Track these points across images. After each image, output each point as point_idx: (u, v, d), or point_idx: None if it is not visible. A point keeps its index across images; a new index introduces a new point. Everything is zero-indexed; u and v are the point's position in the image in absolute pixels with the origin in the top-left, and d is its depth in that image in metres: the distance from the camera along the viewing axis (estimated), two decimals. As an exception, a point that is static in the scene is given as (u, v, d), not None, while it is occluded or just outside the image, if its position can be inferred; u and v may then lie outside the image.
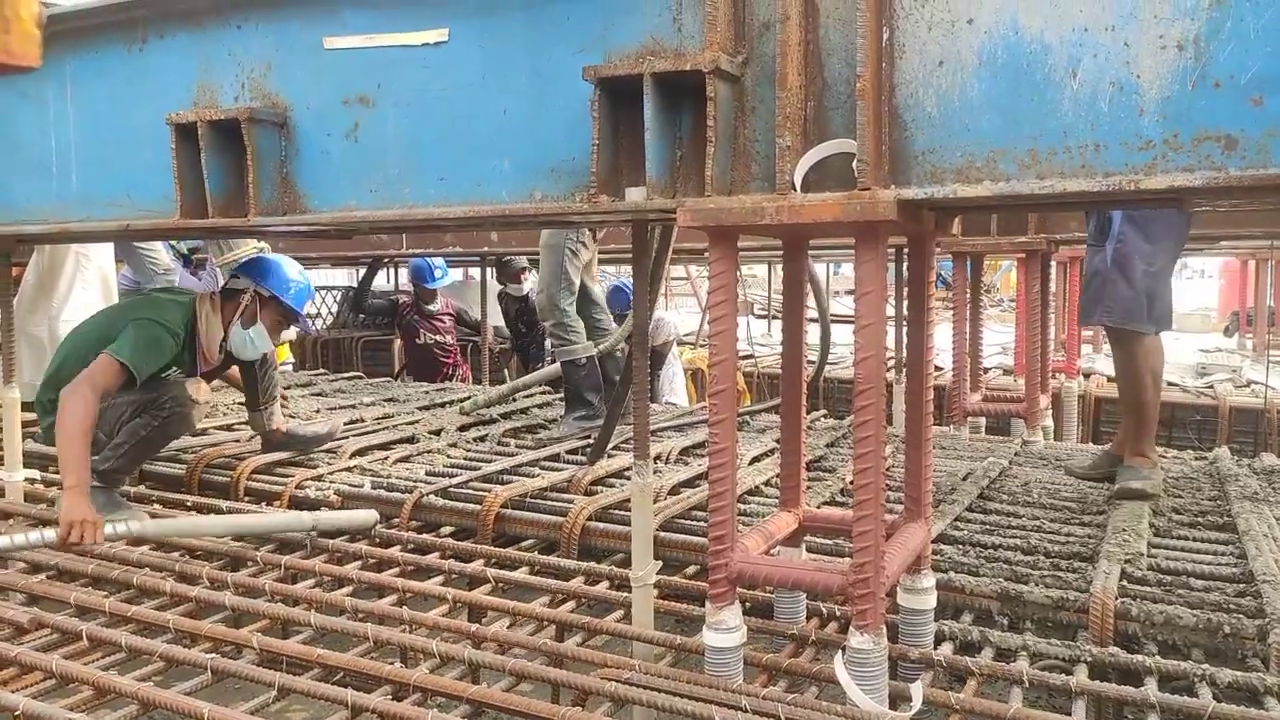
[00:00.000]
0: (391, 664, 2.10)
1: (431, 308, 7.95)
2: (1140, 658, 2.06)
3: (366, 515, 3.09)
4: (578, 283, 4.57)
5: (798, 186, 1.66)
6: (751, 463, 3.76)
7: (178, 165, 2.21)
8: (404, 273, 10.59)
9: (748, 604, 2.39)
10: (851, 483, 1.90)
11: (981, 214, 4.38)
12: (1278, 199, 2.38)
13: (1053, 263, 6.37)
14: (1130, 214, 3.20)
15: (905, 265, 3.72)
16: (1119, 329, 3.32)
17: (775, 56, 1.67)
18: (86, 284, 4.56)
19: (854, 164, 1.60)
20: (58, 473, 3.81)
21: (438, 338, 7.87)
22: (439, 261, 7.87)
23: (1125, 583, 2.40)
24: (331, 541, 2.88)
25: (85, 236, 3.68)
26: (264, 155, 2.16)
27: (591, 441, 3.81)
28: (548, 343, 4.72)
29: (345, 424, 4.46)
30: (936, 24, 1.58)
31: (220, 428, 4.53)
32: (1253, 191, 1.53)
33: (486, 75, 1.96)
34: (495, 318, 8.13)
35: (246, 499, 3.49)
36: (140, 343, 3.17)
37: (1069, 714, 1.87)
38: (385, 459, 3.87)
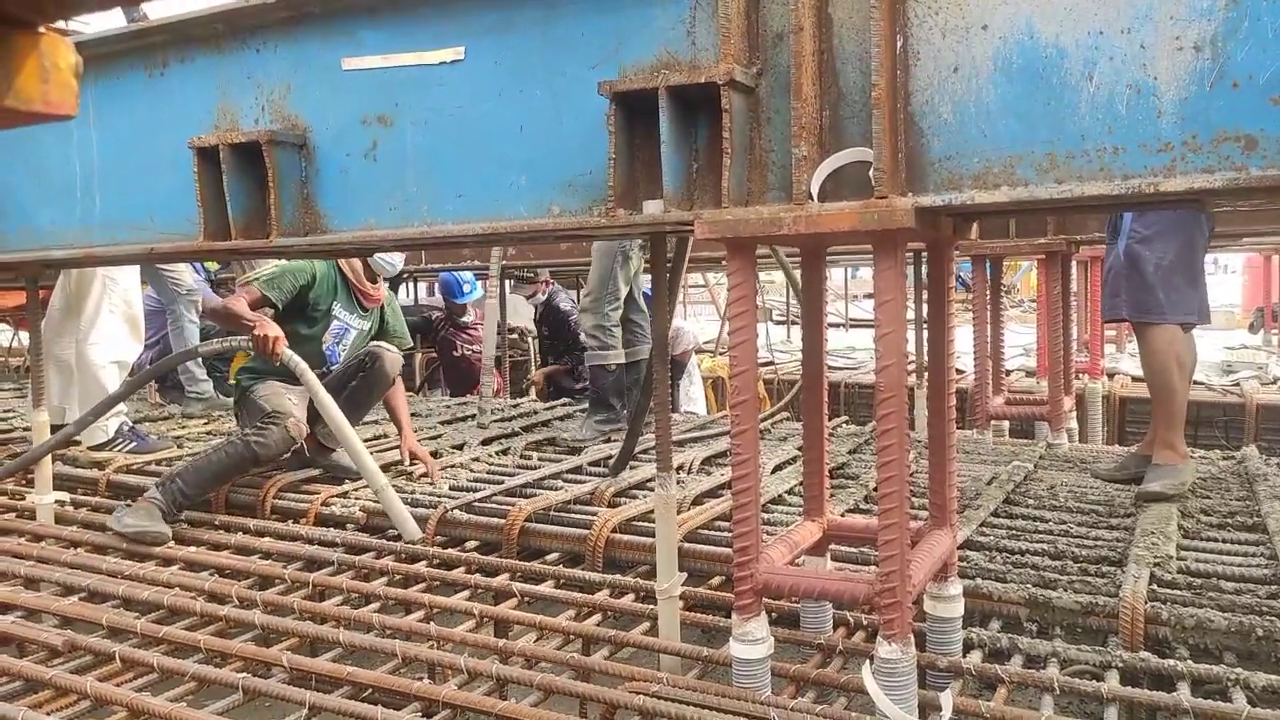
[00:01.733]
0: (420, 679, 2.11)
1: (465, 319, 8.04)
2: (1172, 662, 2.04)
3: (414, 527, 3.17)
4: (624, 290, 4.67)
5: (815, 196, 1.66)
6: (774, 471, 3.76)
7: (200, 188, 2.24)
8: (424, 288, 10.68)
9: (773, 614, 2.39)
10: (875, 490, 1.89)
11: (1000, 217, 4.36)
12: (1300, 198, 2.36)
13: (1073, 263, 6.33)
14: (1140, 209, 3.22)
15: (925, 269, 3.71)
16: (1136, 322, 3.38)
17: (789, 67, 1.67)
18: (114, 307, 4.61)
19: (870, 172, 1.60)
20: (86, 494, 3.87)
21: (475, 348, 7.93)
22: (467, 276, 7.93)
23: (1155, 586, 2.37)
24: (358, 559, 2.90)
25: (110, 260, 3.73)
26: (285, 177, 2.18)
27: (613, 448, 3.83)
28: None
29: (368, 439, 4.48)
30: (950, 30, 1.58)
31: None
32: (1274, 192, 1.51)
33: (503, 92, 1.97)
34: (528, 324, 8.32)
35: (273, 517, 3.51)
36: (268, 276, 3.71)
37: (1101, 720, 1.85)
38: (410, 474, 3.89)
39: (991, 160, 1.57)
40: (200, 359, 5.82)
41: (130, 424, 4.65)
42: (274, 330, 3.42)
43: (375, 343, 4.04)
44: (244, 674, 2.05)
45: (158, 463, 4.14)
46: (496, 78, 1.98)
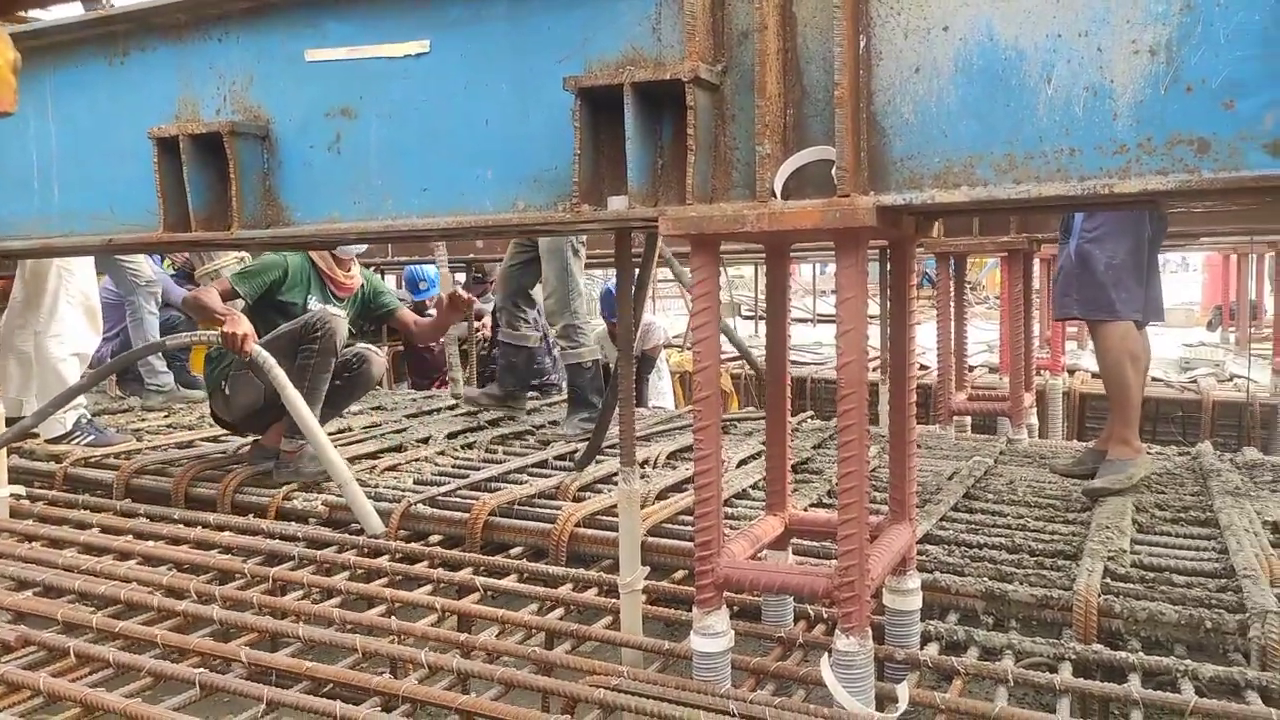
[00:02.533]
0: (381, 674, 2.10)
1: (431, 313, 7.98)
2: (1124, 654, 2.08)
3: (376, 521, 3.16)
4: (583, 284, 4.68)
5: (778, 194, 1.67)
6: (739, 465, 3.78)
7: (160, 179, 2.21)
8: (390, 280, 10.59)
9: (736, 607, 2.40)
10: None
11: (961, 216, 4.42)
12: (1250, 201, 2.41)
13: (1036, 261, 6.42)
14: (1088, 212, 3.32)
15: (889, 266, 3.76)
16: (1088, 319, 3.47)
17: (754, 65, 1.68)
18: (71, 298, 4.54)
19: (833, 171, 1.61)
20: (43, 487, 3.82)
21: (437, 341, 7.88)
22: (428, 272, 7.88)
23: (1108, 580, 2.42)
24: (319, 553, 2.88)
25: (68, 251, 3.66)
26: (246, 168, 2.16)
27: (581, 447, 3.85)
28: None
29: (332, 434, 4.45)
30: (913, 31, 1.60)
31: (207, 439, 4.52)
32: (1225, 194, 1.55)
33: (468, 86, 1.97)
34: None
35: (234, 511, 3.48)
36: (240, 270, 3.78)
37: (1054, 712, 1.88)
38: (373, 468, 3.87)
39: (952, 160, 1.59)
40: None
41: (89, 416, 4.59)
42: (243, 327, 3.41)
43: (364, 345, 4.03)
44: (201, 669, 2.04)
45: (116, 456, 4.08)
46: (462, 71, 1.97)
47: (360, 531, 3.16)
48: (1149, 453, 4.01)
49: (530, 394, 5.94)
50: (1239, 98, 1.42)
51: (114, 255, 5.13)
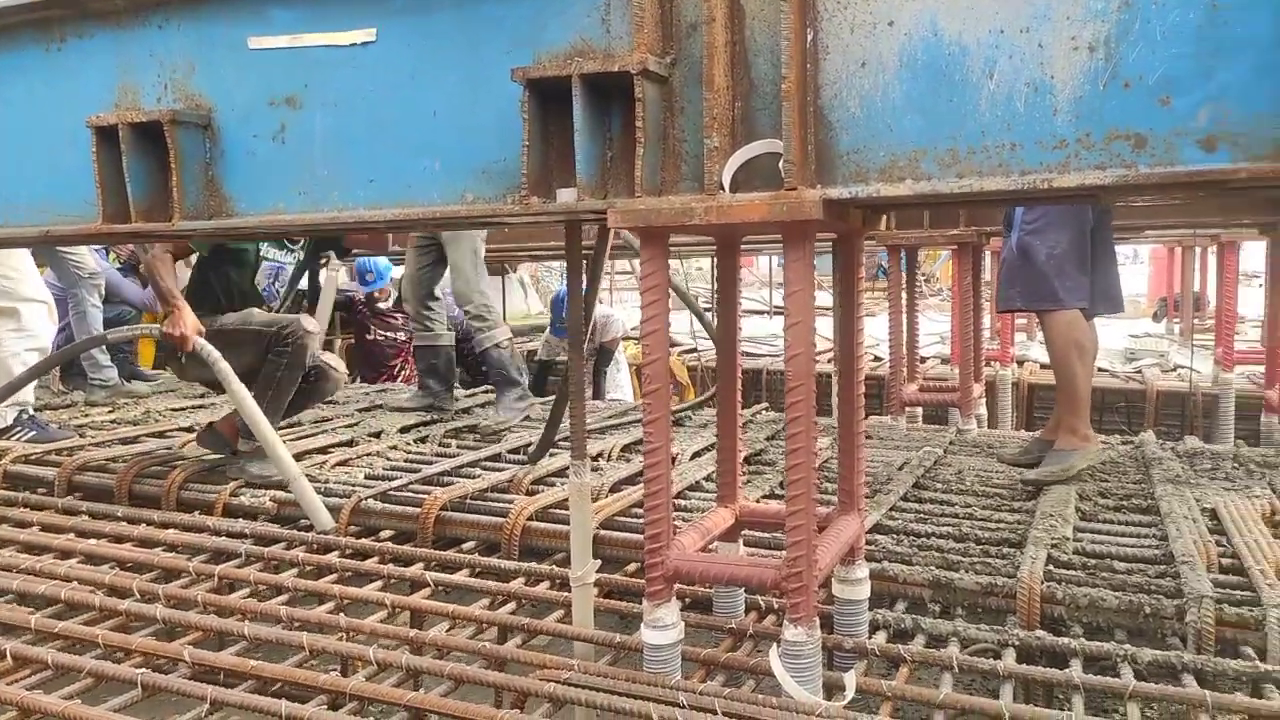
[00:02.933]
0: (331, 672, 2.08)
1: (382, 305, 7.91)
2: (1066, 640, 2.12)
3: (326, 516, 3.12)
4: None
5: (726, 187, 1.67)
6: (693, 458, 3.79)
7: (99, 169, 2.16)
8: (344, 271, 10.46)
9: (688, 599, 2.42)
10: (785, 478, 1.92)
11: (907, 209, 4.46)
12: (1184, 195, 2.46)
13: (986, 253, 6.50)
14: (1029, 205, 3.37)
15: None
16: (1034, 310, 3.53)
17: (702, 57, 1.68)
18: (2, 292, 4.43)
19: (781, 164, 1.62)
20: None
21: (387, 334, 7.81)
22: (375, 264, 7.79)
23: (1051, 567, 2.47)
24: (267, 550, 2.84)
25: (4, 243, 3.57)
26: (188, 158, 2.11)
27: (536, 434, 3.85)
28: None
29: (281, 428, 4.39)
30: (859, 26, 1.61)
31: (153, 434, 4.43)
32: (1161, 188, 1.58)
33: (416, 76, 1.94)
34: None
35: (179, 509, 3.41)
36: None
37: (998, 697, 1.92)
38: (323, 463, 3.82)
39: (897, 154, 1.61)
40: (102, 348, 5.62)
41: (30, 412, 4.48)
42: (186, 325, 3.35)
43: (326, 358, 3.95)
44: (144, 669, 2.00)
45: (58, 452, 3.99)
46: (410, 61, 1.94)
47: (310, 528, 3.12)
48: (1104, 443, 4.09)
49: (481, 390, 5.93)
50: (1175, 94, 1.44)
51: (53, 247, 5.00)
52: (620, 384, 8.43)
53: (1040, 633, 2.18)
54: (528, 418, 4.65)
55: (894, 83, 1.59)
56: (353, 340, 8.36)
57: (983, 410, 5.16)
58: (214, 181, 2.15)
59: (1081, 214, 3.42)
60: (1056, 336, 3.44)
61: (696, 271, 15.64)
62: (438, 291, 5.07)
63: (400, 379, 7.64)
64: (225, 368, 3.26)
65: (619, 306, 14.02)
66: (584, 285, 2.48)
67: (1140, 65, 1.46)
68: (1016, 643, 2.13)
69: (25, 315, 4.46)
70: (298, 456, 3.82)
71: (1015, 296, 3.52)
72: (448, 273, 4.88)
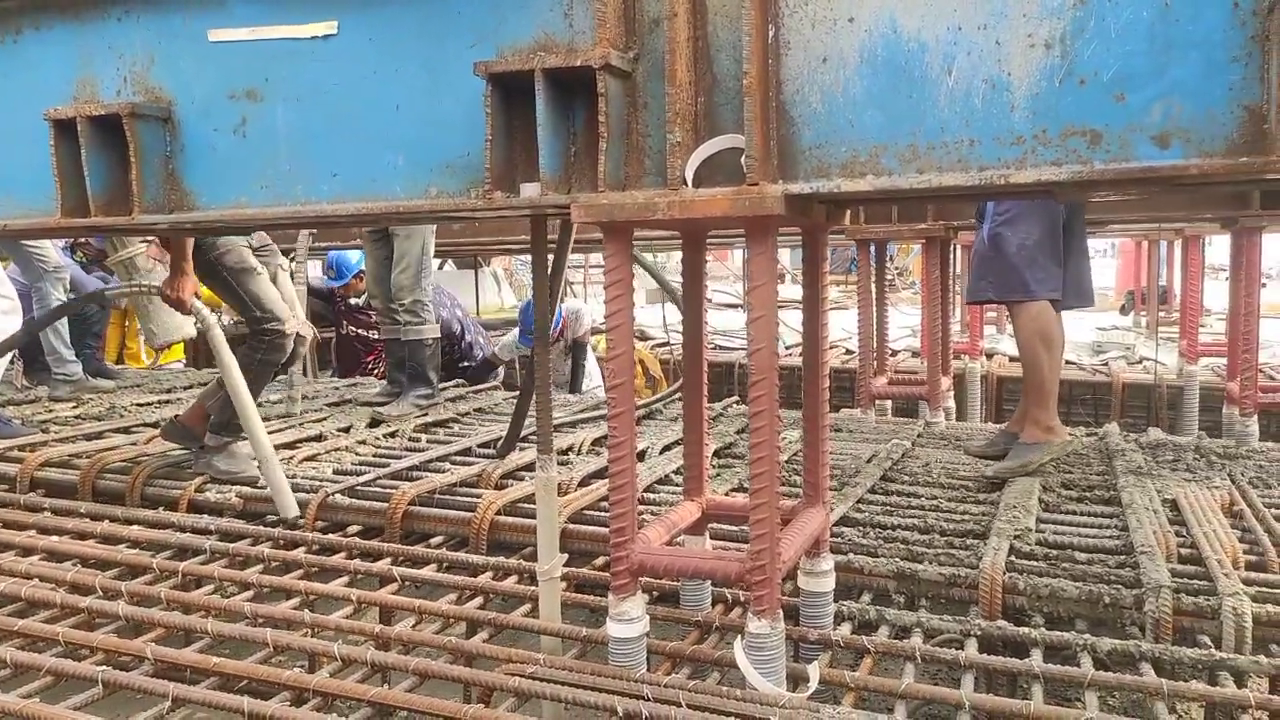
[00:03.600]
0: (300, 668, 2.07)
1: (356, 301, 7.86)
2: (1027, 630, 2.15)
3: (292, 503, 3.14)
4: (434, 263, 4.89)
5: (689, 182, 1.67)
6: (663, 451, 3.80)
7: (57, 163, 2.13)
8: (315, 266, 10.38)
9: (655, 593, 2.43)
10: (750, 471, 1.93)
11: (870, 204, 4.48)
12: (1139, 191, 2.49)
13: (957, 247, 6.56)
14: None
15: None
16: (1003, 301, 3.55)
17: (665, 52, 1.68)
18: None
19: (743, 159, 1.63)
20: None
21: (359, 331, 7.76)
22: (353, 259, 7.72)
23: (1014, 558, 2.50)
24: (232, 546, 2.82)
25: (-36, 235, 3.52)
26: (148, 152, 2.09)
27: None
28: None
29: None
30: (820, 21, 1.62)
31: (117, 430, 4.38)
32: (1116, 184, 1.60)
33: (378, 70, 1.93)
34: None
35: (143, 504, 3.38)
36: None
37: (959, 687, 1.94)
38: (291, 458, 3.79)
39: (858, 150, 1.62)
40: (66, 340, 5.56)
41: (-9, 408, 4.42)
42: (186, 289, 3.34)
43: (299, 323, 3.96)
44: (104, 667, 1.98)
45: (20, 448, 3.93)
46: (372, 54, 1.93)
47: (276, 523, 3.10)
48: (1073, 435, 4.13)
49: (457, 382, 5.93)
50: (1129, 91, 1.46)
51: (13, 240, 4.93)
52: (591, 373, 8.42)
53: (1002, 623, 2.21)
54: (424, 414, 4.69)
55: (855, 79, 1.60)
56: (333, 334, 8.32)
57: (951, 403, 5.21)
58: (174, 175, 2.13)
59: (1054, 205, 3.43)
60: (1024, 328, 3.46)
61: (670, 264, 15.64)
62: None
63: (374, 375, 7.60)
64: (218, 334, 3.28)
65: (592, 300, 14.00)
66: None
67: (1095, 62, 1.47)
68: (979, 633, 2.15)
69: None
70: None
71: (986, 288, 3.53)
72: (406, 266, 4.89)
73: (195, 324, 3.50)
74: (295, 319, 3.79)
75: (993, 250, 3.46)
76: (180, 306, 3.36)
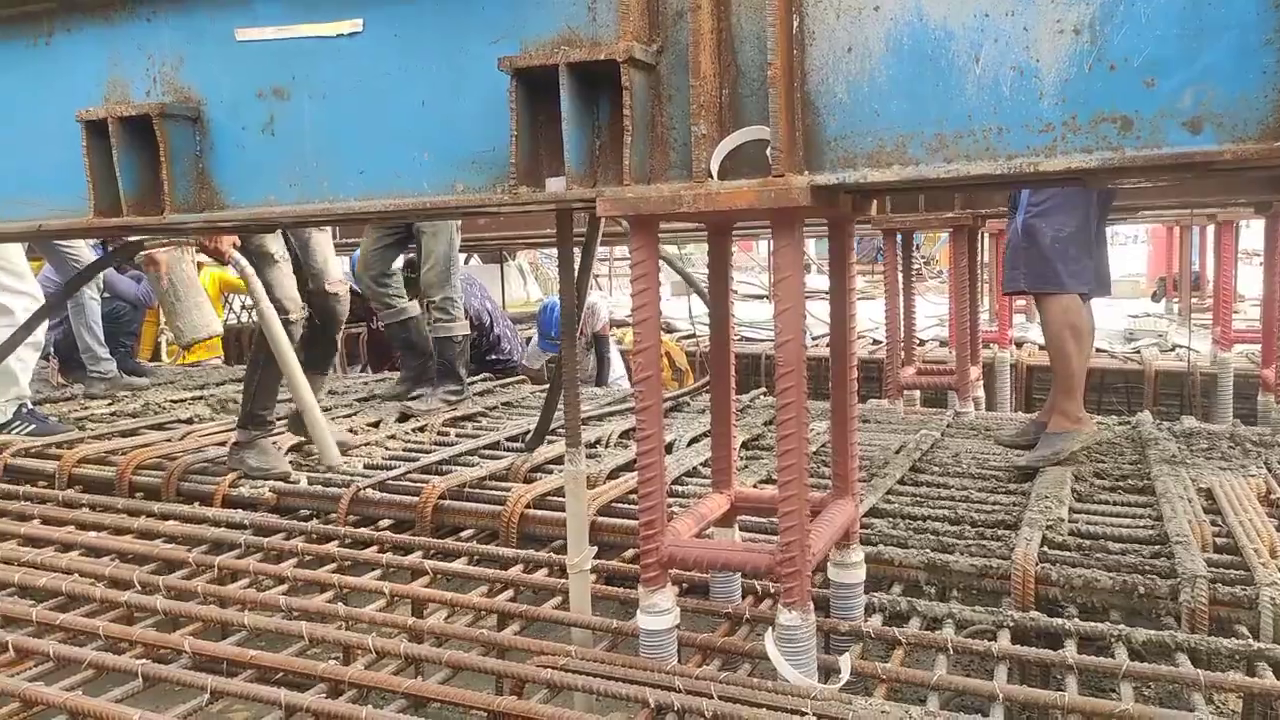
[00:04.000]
0: (334, 659, 2.10)
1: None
2: (1060, 621, 2.13)
3: (335, 452, 3.31)
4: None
5: (714, 174, 1.67)
6: (691, 443, 3.80)
7: (89, 163, 2.16)
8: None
9: (684, 585, 2.43)
10: (779, 463, 1.93)
11: (897, 194, 4.45)
12: (1170, 177, 2.46)
13: (984, 235, 6.49)
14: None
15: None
16: (1035, 293, 3.51)
17: (688, 45, 1.68)
18: (2, 286, 4.44)
19: (768, 151, 1.62)
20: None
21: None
22: None
23: (1046, 548, 2.48)
24: (266, 540, 2.85)
25: None
26: (178, 151, 2.11)
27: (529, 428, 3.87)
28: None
29: (280, 419, 4.40)
30: (844, 11, 1.61)
31: (152, 427, 4.45)
32: (1147, 171, 1.58)
33: (403, 66, 1.94)
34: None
35: (179, 500, 3.43)
36: None
37: (992, 678, 1.93)
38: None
39: (884, 139, 1.61)
40: (101, 339, 5.64)
41: (30, 405, 4.50)
42: (224, 240, 3.42)
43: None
44: (144, 660, 2.01)
45: (58, 445, 4.00)
46: (397, 51, 1.94)
47: (309, 517, 3.14)
48: (1100, 422, 4.09)
49: (484, 376, 5.95)
50: (1160, 76, 1.44)
51: (48, 241, 5.01)
52: (616, 365, 8.43)
53: (1035, 614, 2.19)
54: (454, 409, 4.70)
55: (880, 68, 1.59)
56: (364, 329, 8.41)
57: (980, 393, 5.17)
58: (204, 174, 2.15)
59: (1086, 196, 3.40)
60: (1053, 320, 3.44)
61: (696, 257, 15.61)
62: (394, 268, 5.13)
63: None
64: (257, 284, 3.36)
65: (617, 293, 14.00)
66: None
67: (1125, 47, 1.45)
68: (1011, 624, 2.14)
69: (16, 310, 4.46)
70: (295, 448, 3.85)
71: (1019, 278, 3.50)
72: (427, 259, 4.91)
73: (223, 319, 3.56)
74: (332, 279, 3.84)
75: (1027, 241, 3.43)
76: (219, 256, 3.43)
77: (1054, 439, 3.35)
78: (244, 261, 3.43)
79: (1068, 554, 2.45)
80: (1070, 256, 3.38)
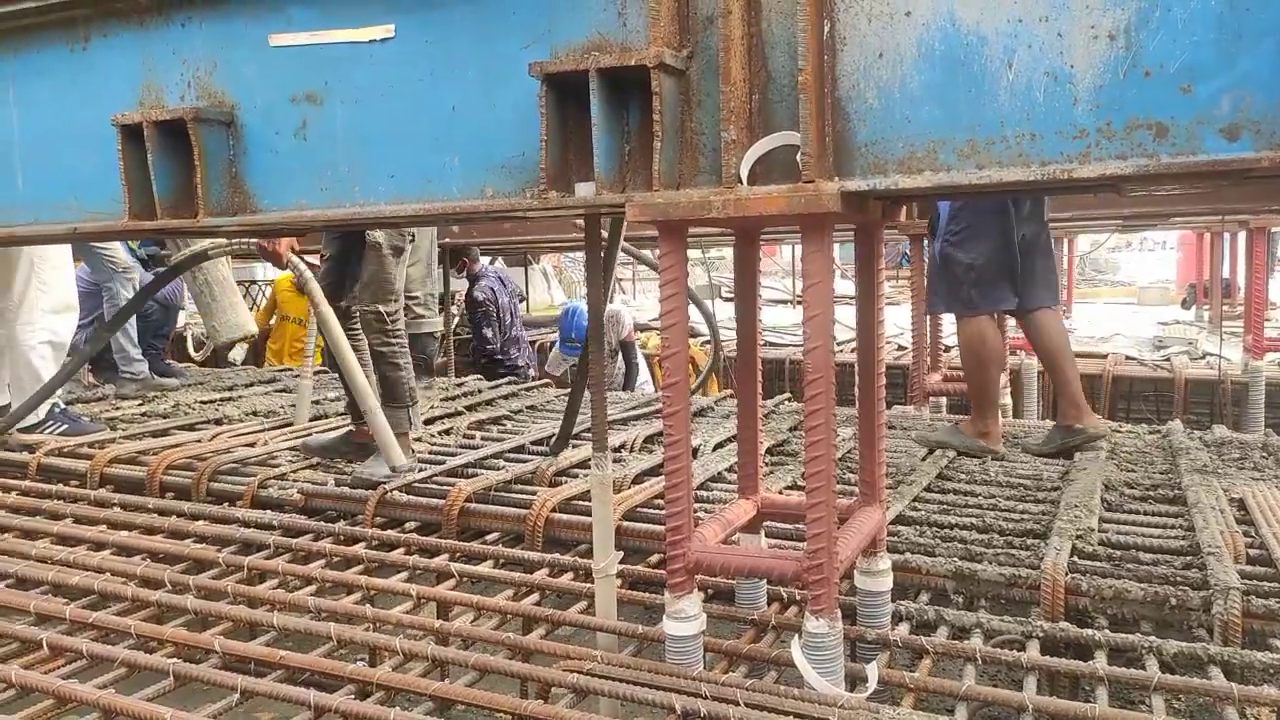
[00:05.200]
0: (361, 661, 2.11)
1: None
2: (1090, 632, 2.11)
3: (399, 453, 3.35)
4: None
5: (744, 179, 1.67)
6: (716, 448, 3.80)
7: (124, 167, 2.19)
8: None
9: (710, 591, 2.43)
10: (806, 469, 1.92)
11: (934, 199, 4.43)
12: (1206, 185, 2.43)
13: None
14: (953, 212, 3.62)
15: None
16: (953, 313, 3.78)
17: (719, 50, 1.68)
18: (44, 286, 4.49)
19: (798, 156, 1.62)
20: (15, 478, 3.79)
21: None
22: None
23: (1076, 558, 2.45)
24: (295, 541, 2.88)
25: (34, 240, 3.62)
26: (211, 155, 2.14)
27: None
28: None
29: (310, 420, 4.44)
30: (876, 16, 1.60)
31: (182, 427, 4.49)
32: (1182, 178, 1.56)
33: (434, 72, 1.95)
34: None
35: (208, 500, 3.47)
36: None
37: (1021, 689, 1.91)
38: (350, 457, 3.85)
39: (915, 145, 1.60)
40: (134, 340, 5.71)
41: (62, 405, 4.56)
42: (281, 243, 3.50)
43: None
44: (175, 659, 2.03)
45: (90, 445, 4.05)
46: (427, 56, 1.95)
47: (336, 519, 3.16)
48: (1119, 430, 4.08)
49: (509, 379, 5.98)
50: (1196, 82, 1.43)
51: (84, 243, 5.08)
52: (640, 370, 8.45)
53: (1064, 624, 2.17)
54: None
55: (912, 74, 1.58)
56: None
57: (1007, 400, 5.12)
58: (238, 178, 2.18)
59: (1005, 219, 3.57)
60: (962, 341, 3.70)
61: (719, 261, 15.60)
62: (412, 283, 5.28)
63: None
64: (315, 288, 3.39)
65: (641, 296, 14.01)
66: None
67: (1161, 53, 1.44)
68: (1040, 634, 2.12)
69: (40, 306, 4.51)
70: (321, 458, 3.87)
71: (938, 301, 3.78)
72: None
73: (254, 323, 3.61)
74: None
75: (942, 266, 3.67)
76: (276, 260, 3.48)
77: (959, 434, 3.66)
78: (302, 265, 3.47)
79: (1098, 564, 2.43)
80: (985, 280, 3.58)
